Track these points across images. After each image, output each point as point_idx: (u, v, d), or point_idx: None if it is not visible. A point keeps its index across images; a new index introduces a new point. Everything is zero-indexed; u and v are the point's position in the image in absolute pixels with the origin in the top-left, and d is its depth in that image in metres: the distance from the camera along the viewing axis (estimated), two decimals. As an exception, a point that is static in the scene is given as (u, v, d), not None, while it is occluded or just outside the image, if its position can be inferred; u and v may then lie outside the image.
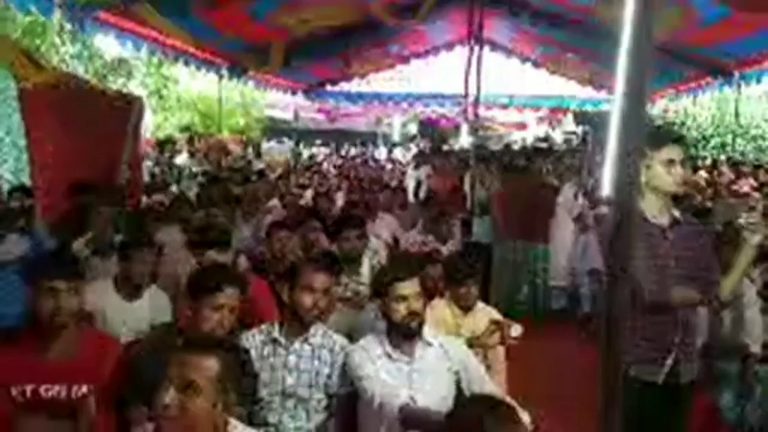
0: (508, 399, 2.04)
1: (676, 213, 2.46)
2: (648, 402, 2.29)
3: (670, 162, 2.36)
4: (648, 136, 2.45)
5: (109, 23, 5.83)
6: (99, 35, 6.15)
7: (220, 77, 9.36)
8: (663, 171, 2.36)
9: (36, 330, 2.22)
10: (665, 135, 2.48)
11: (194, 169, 8.25)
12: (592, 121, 11.59)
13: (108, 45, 9.37)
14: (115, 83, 8.60)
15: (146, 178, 6.99)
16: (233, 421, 1.72)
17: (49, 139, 4.53)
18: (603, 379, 2.12)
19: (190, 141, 9.62)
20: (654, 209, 2.42)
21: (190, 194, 6.35)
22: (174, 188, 7.15)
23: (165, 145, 8.54)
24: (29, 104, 4.56)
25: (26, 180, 4.46)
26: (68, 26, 8.22)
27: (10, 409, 2.10)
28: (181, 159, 8.63)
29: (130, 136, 5.33)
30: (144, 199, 5.92)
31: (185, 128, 11.09)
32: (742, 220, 2.36)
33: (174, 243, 4.27)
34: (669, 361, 2.34)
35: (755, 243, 2.31)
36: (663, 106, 11.67)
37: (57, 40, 8.74)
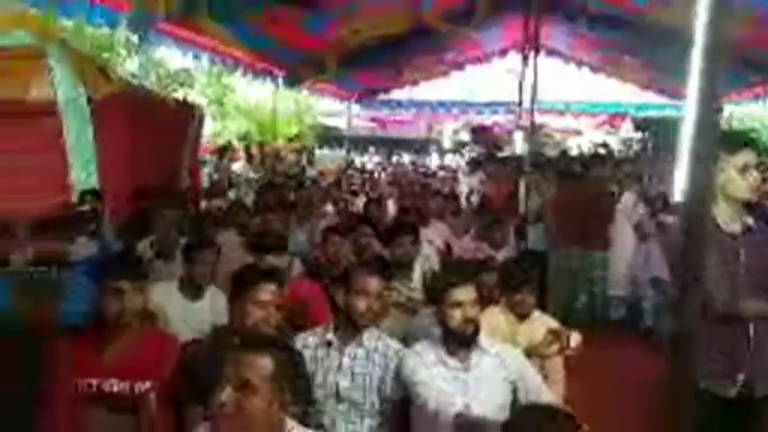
0: (567, 409, 1.98)
1: (749, 220, 2.34)
2: (719, 417, 2.17)
3: (745, 167, 2.25)
4: (720, 140, 2.34)
5: (170, 34, 6.06)
6: (161, 46, 6.43)
7: (276, 86, 9.59)
8: (738, 176, 2.26)
9: (101, 328, 2.32)
10: (738, 139, 2.36)
11: (251, 176, 8.46)
12: (652, 127, 11.20)
13: (170, 56, 9.77)
14: (177, 92, 8.93)
15: (205, 183, 7.20)
16: (290, 421, 1.73)
17: (117, 146, 4.74)
18: (672, 392, 2.03)
19: (247, 148, 9.87)
20: (726, 216, 2.30)
21: (246, 200, 6.51)
22: (231, 194, 7.34)
23: (223, 152, 8.79)
24: (99, 113, 4.78)
25: (95, 185, 4.67)
26: (133, 38, 8.60)
27: (76, 402, 2.19)
28: (238, 166, 8.86)
29: (191, 142, 5.51)
30: (203, 203, 6.12)
31: (242, 136, 11.40)
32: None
33: (231, 246, 4.39)
34: (741, 375, 2.22)
35: None
36: (728, 112, 11.17)
37: (123, 52, 9.18)
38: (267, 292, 2.34)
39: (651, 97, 12.52)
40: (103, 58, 6.87)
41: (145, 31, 5.53)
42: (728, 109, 10.80)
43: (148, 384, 2.23)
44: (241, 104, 12.24)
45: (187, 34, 6.34)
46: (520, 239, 5.82)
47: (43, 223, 3.21)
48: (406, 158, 18.24)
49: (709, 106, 1.38)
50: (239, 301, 2.35)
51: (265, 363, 1.63)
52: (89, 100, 4.82)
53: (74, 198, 4.50)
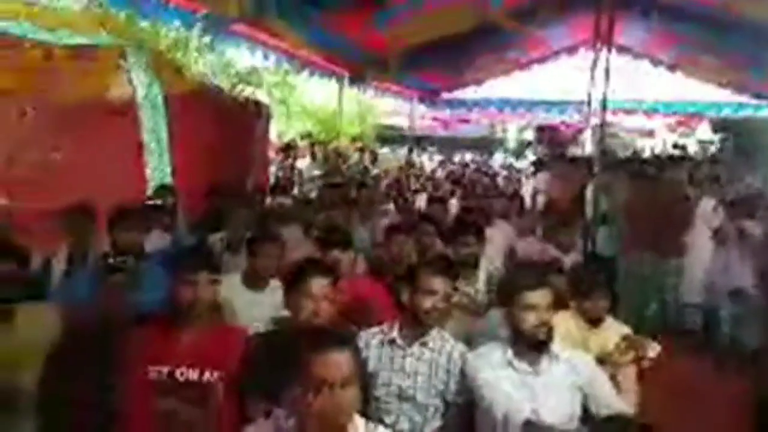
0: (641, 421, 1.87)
1: None
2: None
3: None
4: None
5: (241, 34, 6.22)
6: (231, 47, 6.61)
7: (341, 86, 9.67)
8: None
9: (174, 317, 2.39)
10: None
11: (314, 174, 8.57)
12: (732, 128, 10.57)
13: (239, 56, 10.04)
14: (245, 92, 9.17)
15: (271, 181, 7.35)
16: (356, 417, 1.72)
17: (190, 144, 4.92)
18: (759, 408, 1.89)
19: (311, 147, 10.02)
20: None
21: (310, 197, 6.60)
22: (296, 191, 7.46)
23: (288, 150, 8.95)
24: (173, 110, 4.98)
25: (168, 180, 4.85)
26: (205, 39, 8.90)
27: (149, 389, 2.25)
28: (303, 164, 9.00)
29: (259, 141, 5.64)
30: (269, 200, 6.24)
31: (306, 135, 11.57)
32: None
33: (295, 241, 4.46)
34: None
35: None
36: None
37: (195, 53, 9.48)
38: (319, 285, 2.34)
39: (730, 97, 11.81)
40: (177, 58, 7.12)
41: (217, 31, 5.70)
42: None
43: (216, 374, 2.27)
44: (306, 104, 12.44)
45: (257, 34, 6.50)
46: (588, 243, 5.62)
47: (120, 215, 3.33)
48: (469, 158, 18.03)
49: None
50: (293, 293, 2.37)
51: (348, 359, 1.63)
52: (165, 98, 5.03)
53: (149, 192, 4.71)
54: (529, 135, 19.32)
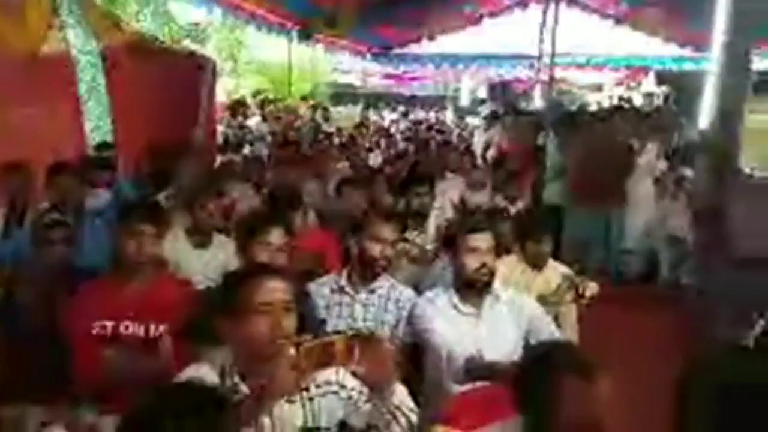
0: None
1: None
2: (737, 366, 2.15)
3: None
4: (758, 81, 2.26)
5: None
6: (175, 0, 6.34)
7: (290, 41, 9.42)
8: None
9: (117, 271, 2.35)
10: None
11: (265, 132, 8.42)
12: (675, 81, 10.86)
13: (182, 10, 9.64)
14: (190, 47, 8.86)
15: (219, 139, 7.19)
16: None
17: (130, 98, 4.73)
18: (688, 340, 2.01)
19: (262, 105, 9.80)
20: (756, 160, 2.23)
21: (261, 155, 6.50)
22: (246, 150, 7.33)
23: (237, 108, 8.75)
24: (111, 64, 4.76)
25: (109, 137, 4.68)
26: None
27: (92, 344, 2.22)
28: (253, 122, 8.82)
29: (205, 97, 5.48)
30: (218, 158, 6.12)
31: (257, 92, 11.30)
32: None
33: (247, 199, 4.42)
34: (762, 322, 2.18)
35: None
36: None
37: (136, 6, 9.08)
38: (274, 235, 2.35)
39: (675, 51, 12.08)
40: (116, 11, 6.79)
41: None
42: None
43: (162, 327, 2.26)
44: (256, 60, 12.12)
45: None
46: (537, 194, 5.75)
47: (58, 171, 3.22)
48: (423, 115, 18.00)
49: (737, 51, 1.31)
50: (247, 246, 2.36)
51: (287, 288, 1.62)
52: (103, 54, 4.80)
53: (90, 150, 4.54)
54: (483, 91, 19.38)
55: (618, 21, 11.64)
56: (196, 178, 4.09)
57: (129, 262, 2.31)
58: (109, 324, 2.25)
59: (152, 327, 2.27)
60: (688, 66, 11.58)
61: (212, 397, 1.32)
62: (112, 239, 2.39)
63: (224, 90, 10.36)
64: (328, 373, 1.63)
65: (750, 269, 2.13)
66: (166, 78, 5.04)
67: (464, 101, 19.81)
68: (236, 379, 1.57)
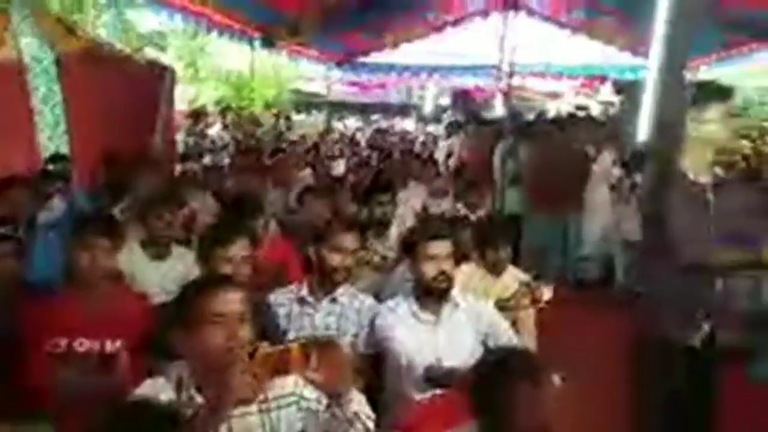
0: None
1: (721, 172, 2.37)
2: (682, 366, 2.24)
3: (724, 116, 2.28)
4: (697, 92, 2.36)
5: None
6: (132, 7, 6.24)
7: (253, 48, 9.37)
8: (716, 125, 2.28)
9: (71, 286, 2.30)
10: (718, 89, 2.37)
11: (226, 140, 8.35)
12: (631, 89, 11.22)
13: (142, 17, 9.47)
14: (149, 55, 8.71)
15: (180, 148, 7.09)
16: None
17: (85, 107, 4.63)
18: (638, 343, 2.07)
19: (223, 113, 9.71)
20: (697, 168, 2.32)
21: (222, 164, 6.44)
22: (207, 158, 7.24)
23: (198, 116, 8.64)
24: (66, 72, 4.65)
25: (63, 147, 4.57)
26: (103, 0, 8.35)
27: (47, 361, 2.17)
28: (214, 130, 8.73)
29: (164, 105, 5.40)
30: (178, 168, 6.03)
31: (218, 100, 11.19)
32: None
33: (207, 209, 4.37)
34: (707, 324, 2.27)
35: None
36: (706, 73, 11.25)
37: (93, 13, 8.88)
38: (237, 246, 2.33)
39: (631, 59, 12.47)
40: (71, 18, 6.65)
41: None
42: (706, 70, 10.84)
43: (118, 343, 2.22)
44: (217, 68, 12.00)
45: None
46: (497, 202, 5.86)
47: (7, 184, 3.13)
48: (387, 123, 18.11)
49: (674, 63, 1.37)
50: (210, 257, 2.34)
51: (242, 298, 1.61)
52: (58, 62, 4.69)
53: (44, 161, 4.42)
54: (446, 100, 19.60)
55: (575, 30, 11.96)
56: (153, 188, 4.02)
57: (83, 277, 2.27)
58: (63, 341, 2.19)
59: (108, 343, 2.23)
60: (644, 74, 11.95)
61: (167, 413, 1.32)
62: (66, 253, 2.34)
63: (185, 98, 10.23)
64: (287, 384, 1.64)
65: (693, 273, 2.22)
66: (123, 86, 4.94)
67: (427, 109, 19.99)
68: (192, 391, 1.56)
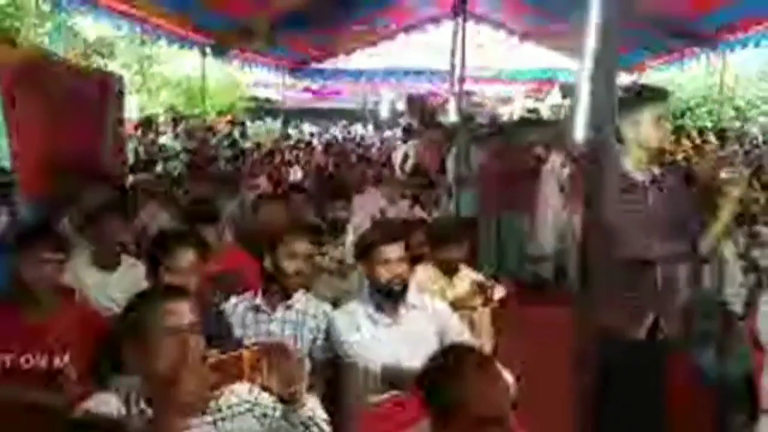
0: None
1: (658, 170, 2.47)
2: (626, 358, 2.32)
3: (658, 118, 2.38)
4: (633, 95, 2.46)
5: (89, 1, 5.71)
6: (78, 14, 6.06)
7: (204, 55, 9.22)
8: (650, 127, 2.38)
9: (18, 300, 2.23)
10: (652, 93, 2.47)
11: (179, 149, 8.20)
12: (575, 93, 11.59)
13: (88, 25, 9.22)
14: (97, 64, 8.49)
15: (130, 158, 6.92)
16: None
17: (28, 118, 4.47)
18: (578, 336, 2.14)
19: (175, 121, 9.53)
20: (636, 166, 2.43)
21: (175, 173, 6.32)
22: (159, 168, 7.10)
23: (149, 125, 8.45)
24: (6, 83, 4.48)
25: (6, 162, 4.40)
26: (45, 6, 8.08)
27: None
28: (166, 139, 8.56)
29: (111, 115, 5.26)
30: (129, 178, 5.89)
31: (170, 108, 10.97)
32: (723, 175, 2.36)
33: (160, 219, 4.29)
34: (650, 316, 2.37)
35: (736, 195, 2.32)
36: (650, 78, 11.73)
37: (35, 21, 8.60)
38: (185, 257, 2.28)
39: (576, 64, 12.85)
40: (10, 26, 6.41)
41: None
42: (650, 74, 11.29)
43: (66, 358, 2.16)
44: (168, 76, 11.78)
45: (107, 1, 6.00)
46: (452, 204, 5.94)
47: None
48: (344, 129, 18.13)
49: (603, 68, 1.43)
50: (158, 269, 2.29)
51: (190, 308, 1.60)
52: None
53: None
54: (402, 105, 19.76)
55: (524, 36, 12.24)
56: (100, 199, 3.92)
57: (30, 291, 2.20)
58: (8, 357, 2.12)
59: (56, 358, 2.17)
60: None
61: (116, 428, 1.29)
62: (10, 266, 2.26)
63: (134, 107, 9.99)
64: (241, 391, 1.63)
65: (634, 267, 2.31)
66: (67, 96, 4.79)
67: (384, 115, 20.11)
68: (143, 405, 1.54)
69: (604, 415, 2.28)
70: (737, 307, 3.25)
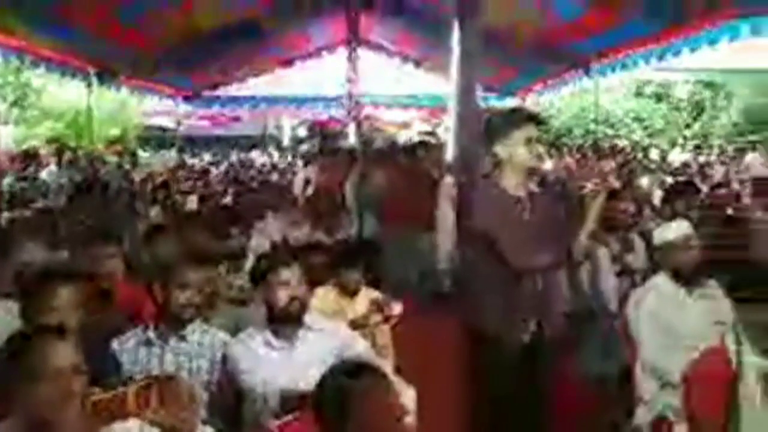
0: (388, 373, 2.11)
1: (532, 186, 2.67)
2: (512, 363, 2.46)
3: (529, 140, 2.57)
4: (507, 117, 2.65)
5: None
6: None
7: (89, 84, 8.77)
8: (522, 148, 2.56)
9: None
10: (522, 115, 2.68)
11: (62, 181, 7.70)
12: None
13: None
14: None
15: (6, 193, 6.43)
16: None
17: None
18: (470, 344, 2.25)
19: (58, 153, 8.95)
20: (512, 183, 2.61)
21: (57, 208, 5.94)
22: (40, 203, 6.63)
23: (27, 159, 7.87)
24: None
25: None
26: None
27: None
28: (48, 172, 8.02)
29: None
30: (6, 215, 5.47)
31: (52, 140, 10.28)
32: (587, 188, 2.59)
33: (38, 257, 4.01)
34: (533, 322, 2.53)
35: (596, 206, 2.56)
36: (533, 101, 12.55)
37: None
38: (64, 294, 2.17)
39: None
40: None
41: None
42: (533, 98, 12.09)
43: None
44: (50, 106, 11.03)
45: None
46: (353, 227, 6.01)
47: None
48: (243, 155, 17.83)
49: (469, 95, 1.56)
50: (32, 306, 2.16)
51: (72, 349, 1.55)
52: None
53: None
54: (303, 131, 19.82)
55: (417, 63, 12.72)
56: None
57: None
58: None
59: None
60: (490, 102, 12.98)
61: None
62: None
63: (12, 140, 9.27)
64: (129, 429, 1.57)
65: (515, 275, 2.47)
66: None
67: (285, 141, 20.04)
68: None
69: (494, 418, 2.40)
70: (612, 308, 3.54)
